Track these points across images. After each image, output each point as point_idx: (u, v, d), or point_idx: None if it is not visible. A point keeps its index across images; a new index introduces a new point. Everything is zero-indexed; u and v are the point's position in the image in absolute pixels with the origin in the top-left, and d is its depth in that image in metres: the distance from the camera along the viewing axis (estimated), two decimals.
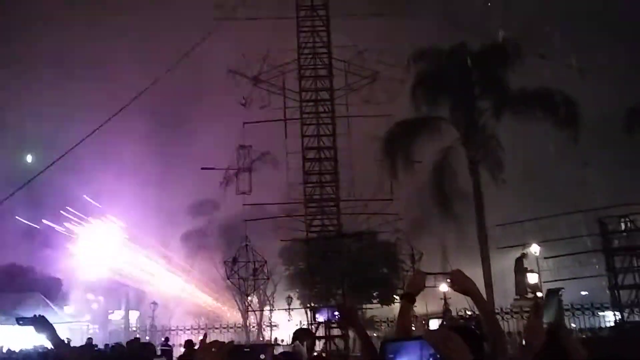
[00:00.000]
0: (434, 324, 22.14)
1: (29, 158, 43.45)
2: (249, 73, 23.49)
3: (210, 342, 2.19)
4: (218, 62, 25.32)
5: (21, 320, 4.76)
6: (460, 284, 3.16)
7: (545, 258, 24.27)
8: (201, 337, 26.15)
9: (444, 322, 11.51)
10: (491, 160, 23.26)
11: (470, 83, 22.65)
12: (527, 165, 27.91)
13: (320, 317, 20.11)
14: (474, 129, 23.16)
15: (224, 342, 2.17)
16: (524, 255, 24.59)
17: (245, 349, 2.23)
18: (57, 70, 37.37)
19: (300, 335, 5.54)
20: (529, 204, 26.38)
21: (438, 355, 1.80)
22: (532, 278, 23.66)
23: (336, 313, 18.54)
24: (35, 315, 3.90)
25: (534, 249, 25.95)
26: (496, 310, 21.32)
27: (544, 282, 23.72)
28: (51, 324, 3.92)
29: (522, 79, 22.18)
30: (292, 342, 5.29)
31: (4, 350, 17.27)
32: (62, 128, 33.94)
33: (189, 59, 24.67)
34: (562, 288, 19.81)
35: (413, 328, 3.35)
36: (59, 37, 38.04)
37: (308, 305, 25.15)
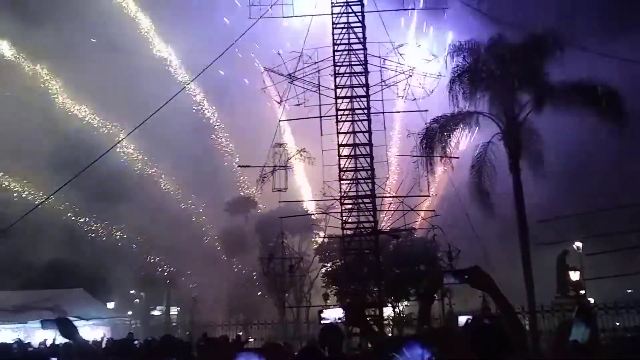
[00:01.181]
0: (462, 320, 21.84)
1: None
2: (285, 71, 23.59)
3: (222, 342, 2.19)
4: (254, 60, 25.58)
5: (45, 323, 4.89)
6: (478, 280, 3.11)
7: (587, 255, 23.68)
8: (239, 333, 26.52)
9: (469, 321, 11.31)
10: (531, 155, 22.79)
11: (510, 76, 22.18)
12: (569, 159, 27.26)
13: (327, 317, 19.95)
14: (513, 124, 22.70)
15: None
16: (566, 252, 24.06)
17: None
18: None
19: (327, 334, 5.41)
20: (571, 200, 25.80)
21: (434, 354, 1.78)
22: (574, 275, 23.13)
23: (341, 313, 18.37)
24: (59, 318, 3.99)
25: (577, 245, 25.38)
26: (537, 308, 20.94)
27: (586, 279, 23.18)
28: (74, 325, 4.01)
29: (563, 71, 21.62)
30: (321, 341, 5.12)
31: (48, 344, 17.77)
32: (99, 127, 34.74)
33: (226, 58, 24.89)
34: (596, 307, 19.33)
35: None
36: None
37: (344, 303, 25.14)
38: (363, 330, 3.55)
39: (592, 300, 23.69)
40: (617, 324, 20.33)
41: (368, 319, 22.38)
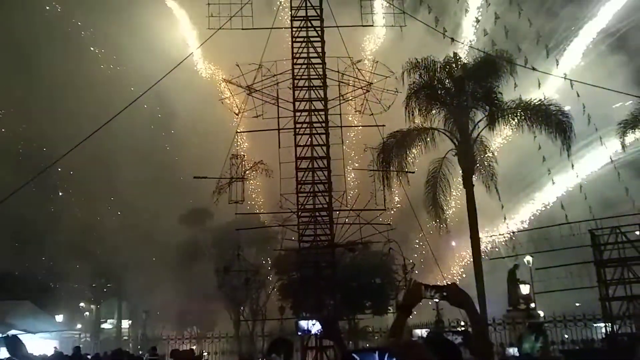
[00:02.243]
0: (419, 333, 22.09)
1: None
2: (243, 82, 23.52)
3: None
4: (212, 71, 25.41)
5: None
6: (456, 296, 3.18)
7: (537, 269, 24.28)
8: (192, 347, 26.09)
9: (428, 334, 11.45)
10: (485, 171, 23.36)
11: (464, 94, 22.76)
12: (521, 175, 28.06)
13: (301, 329, 19.97)
14: (467, 140, 23.24)
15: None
16: (516, 267, 24.61)
17: None
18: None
19: (277, 345, 5.51)
20: (522, 215, 26.48)
21: None
22: (525, 289, 23.64)
23: (315, 325, 18.44)
24: (7, 335, 3.93)
25: (527, 259, 25.99)
26: (488, 322, 21.35)
27: (536, 293, 23.73)
28: (23, 344, 3.93)
29: (514, 90, 22.34)
30: (269, 353, 5.26)
31: None
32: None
33: (184, 68, 24.68)
34: (545, 323, 19.88)
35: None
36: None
37: (299, 315, 25.04)
38: (336, 343, 3.58)
39: (541, 313, 24.28)
40: (566, 336, 20.90)
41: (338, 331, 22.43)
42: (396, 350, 1.79)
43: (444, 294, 3.23)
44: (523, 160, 27.59)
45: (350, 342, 26.31)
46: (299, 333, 20.66)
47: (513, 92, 22.43)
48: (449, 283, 3.38)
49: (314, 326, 19.48)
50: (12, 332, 23.20)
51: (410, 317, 3.36)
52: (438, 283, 3.40)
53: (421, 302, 3.27)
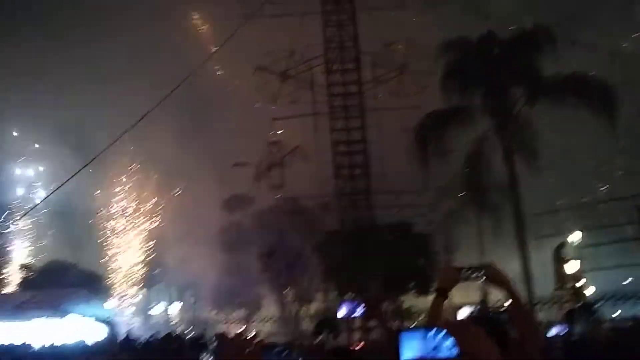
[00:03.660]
0: (463, 314, 21.91)
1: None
2: (277, 69, 23.53)
3: (241, 340, 2.17)
4: (246, 59, 25.44)
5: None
6: (493, 276, 3.11)
7: (585, 246, 23.71)
8: (239, 329, 26.67)
9: (473, 313, 11.38)
10: (526, 149, 22.72)
11: (501, 71, 22.09)
12: (564, 152, 27.21)
13: (343, 311, 20.15)
14: (507, 117, 22.63)
15: (254, 340, 2.15)
16: (562, 245, 24.10)
17: (278, 349, 2.21)
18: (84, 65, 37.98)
19: (324, 326, 5.58)
20: (567, 192, 25.75)
21: (452, 345, 1.77)
22: (572, 267, 23.18)
23: (360, 306, 18.55)
24: (108, 319, 4.42)
25: (574, 237, 25.37)
26: (535, 301, 21.03)
27: (584, 270, 23.23)
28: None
29: (556, 65, 21.52)
30: (317, 332, 5.32)
31: (48, 345, 17.90)
32: (93, 126, 34.68)
33: (218, 57, 24.83)
34: (598, 302, 19.40)
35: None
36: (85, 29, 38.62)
37: (343, 297, 25.25)
38: (379, 323, 3.56)
39: (590, 291, 23.79)
40: (616, 314, 20.44)
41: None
42: (450, 331, 1.77)
43: (481, 273, 3.15)
44: (565, 138, 26.79)
45: (395, 322, 26.42)
46: (343, 314, 20.89)
47: (556, 67, 21.59)
48: (487, 262, 3.30)
49: (358, 307, 19.67)
50: (69, 316, 24.18)
51: (449, 299, 3.31)
52: (474, 264, 3.31)
53: (457, 285, 3.21)
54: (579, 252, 24.24)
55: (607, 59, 21.47)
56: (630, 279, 26.36)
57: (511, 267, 23.89)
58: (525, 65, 21.55)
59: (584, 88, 20.81)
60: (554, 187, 26.20)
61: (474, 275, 3.14)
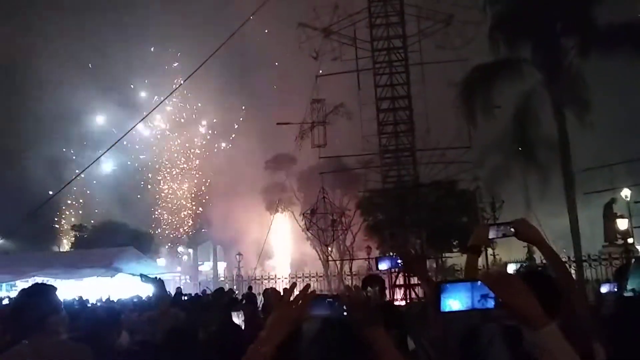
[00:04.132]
0: (511, 269, 21.74)
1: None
2: (319, 25, 23.26)
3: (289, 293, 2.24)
4: (288, 16, 25.26)
5: (143, 278, 5.62)
6: (525, 233, 3.13)
7: (636, 202, 23.09)
8: (285, 287, 27.18)
9: (520, 268, 11.26)
10: (577, 102, 22.03)
11: (553, 20, 21.27)
12: (616, 106, 26.27)
13: (383, 266, 20.12)
14: (558, 70, 21.91)
15: (308, 292, 2.21)
16: (613, 200, 23.52)
17: (329, 299, 2.27)
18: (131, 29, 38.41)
19: (370, 281, 5.70)
20: (618, 147, 24.98)
21: (492, 297, 1.81)
22: (622, 224, 22.67)
23: (399, 261, 18.52)
24: (156, 277, 4.63)
25: (624, 193, 24.71)
26: (583, 257, 20.70)
27: (635, 227, 22.67)
28: (164, 284, 4.60)
29: (610, 13, 20.59)
30: (364, 288, 5.47)
31: (104, 300, 18.68)
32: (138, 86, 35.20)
33: (261, 14, 24.68)
34: None
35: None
36: None
37: (388, 254, 25.35)
38: (421, 278, 3.64)
39: None
40: None
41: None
42: (488, 282, 1.81)
43: (512, 229, 3.18)
44: (618, 91, 25.80)
45: (438, 279, 26.41)
46: (379, 269, 20.93)
47: (612, 15, 20.62)
48: (517, 219, 3.31)
49: (396, 263, 19.65)
50: (119, 275, 25.12)
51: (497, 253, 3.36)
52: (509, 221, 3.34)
53: (489, 242, 3.25)
54: (630, 208, 23.65)
55: None
56: None
57: (559, 223, 23.56)
58: (577, 14, 20.70)
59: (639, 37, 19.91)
60: (605, 142, 25.45)
61: (504, 232, 3.15)
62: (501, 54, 21.87)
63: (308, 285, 2.29)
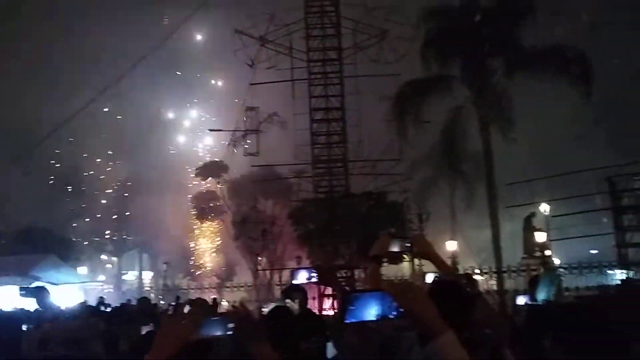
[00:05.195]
0: (429, 279, 22.28)
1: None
2: (256, 33, 23.19)
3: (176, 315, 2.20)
4: (224, 23, 25.05)
5: (22, 291, 5.12)
6: (421, 248, 3.21)
7: (553, 217, 24.23)
8: (214, 296, 26.72)
9: (435, 278, 11.42)
10: (502, 119, 23.00)
11: (482, 41, 22.18)
12: (538, 123, 27.62)
13: (300, 278, 20.18)
14: (485, 88, 22.81)
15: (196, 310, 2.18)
16: (532, 214, 24.56)
17: (214, 318, 2.26)
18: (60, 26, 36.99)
19: (291, 292, 5.67)
20: (539, 163, 26.23)
21: (398, 306, 1.82)
22: (541, 237, 23.67)
23: (313, 273, 18.67)
24: (38, 288, 4.20)
25: (543, 207, 25.90)
26: (504, 269, 21.55)
27: (552, 240, 23.76)
28: (48, 293, 4.18)
29: (534, 36, 21.69)
30: (284, 299, 5.43)
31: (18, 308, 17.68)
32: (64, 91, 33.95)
33: (194, 20, 24.37)
34: (561, 268, 19.94)
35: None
36: None
37: (312, 265, 25.43)
38: (335, 289, 3.63)
39: (557, 261, 24.37)
40: (580, 284, 21.05)
41: (340, 279, 22.86)
42: (392, 292, 1.81)
43: (407, 245, 3.26)
44: (542, 111, 27.15)
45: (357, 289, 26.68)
46: (300, 281, 20.87)
47: (537, 38, 21.73)
48: (415, 234, 3.42)
49: (313, 274, 19.73)
50: (37, 283, 23.89)
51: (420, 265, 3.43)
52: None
53: (390, 253, 3.31)
54: (548, 221, 24.78)
55: (585, 31, 21.70)
56: (595, 251, 27.16)
57: (484, 235, 24.42)
58: (504, 36, 21.68)
59: (561, 60, 21.06)
60: (528, 157, 26.67)
61: (402, 246, 3.24)
62: (432, 70, 22.52)
63: (198, 304, 2.27)
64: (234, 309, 2.28)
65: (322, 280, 20.66)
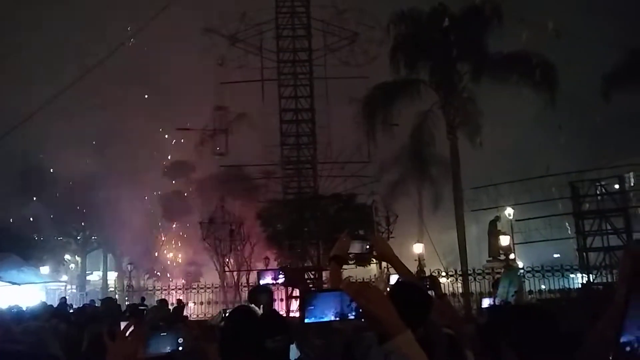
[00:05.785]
0: (394, 280, 22.47)
1: None
2: (226, 32, 23.05)
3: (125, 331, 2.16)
4: (194, 21, 24.83)
5: None
6: (379, 250, 3.26)
7: (517, 220, 24.66)
8: (179, 297, 26.40)
9: (398, 279, 11.50)
10: (469, 124, 23.38)
11: (450, 46, 22.50)
12: (504, 128, 28.12)
13: (266, 279, 20.19)
14: (452, 93, 23.15)
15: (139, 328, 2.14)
16: (497, 218, 24.97)
17: (162, 333, 2.22)
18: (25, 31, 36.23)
19: (257, 292, 5.65)
20: (504, 168, 26.67)
21: (355, 305, 1.83)
22: (505, 240, 24.08)
23: (280, 275, 18.74)
24: None
25: (508, 211, 26.35)
26: (468, 271, 21.85)
27: (516, 243, 24.18)
28: None
29: (501, 42, 22.11)
30: (249, 302, 5.40)
31: None
32: (29, 85, 33.17)
33: (163, 17, 24.08)
34: (521, 270, 20.31)
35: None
36: None
37: (283, 265, 25.39)
38: (302, 290, 3.66)
39: (520, 264, 24.81)
40: (543, 286, 21.46)
41: (307, 281, 22.86)
42: (349, 292, 1.82)
43: (367, 247, 3.32)
44: (508, 116, 27.64)
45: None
46: (266, 282, 20.85)
47: (503, 44, 22.14)
48: (374, 236, 3.51)
49: (279, 275, 19.78)
50: None
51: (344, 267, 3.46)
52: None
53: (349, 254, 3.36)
54: (512, 225, 25.23)
55: (551, 38, 22.21)
56: (557, 254, 27.75)
57: (450, 238, 24.72)
58: (473, 41, 22.03)
59: (527, 65, 21.51)
60: (493, 161, 27.11)
61: (361, 247, 3.29)
62: (401, 74, 22.75)
63: (140, 321, 2.26)
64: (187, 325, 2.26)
65: (290, 282, 20.68)
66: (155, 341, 2.15)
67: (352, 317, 1.88)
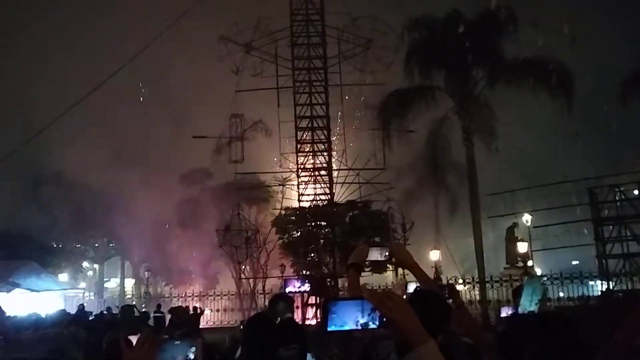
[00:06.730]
0: (412, 288, 22.33)
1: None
2: (241, 41, 23.21)
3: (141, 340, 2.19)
4: (210, 30, 25.03)
5: None
6: (398, 257, 3.24)
7: (535, 227, 24.42)
8: (195, 304, 26.49)
9: (416, 287, 11.43)
10: (485, 130, 23.25)
11: (465, 52, 22.42)
12: (520, 134, 27.91)
13: (290, 287, 20.24)
14: (468, 99, 23.05)
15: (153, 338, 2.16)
16: (515, 225, 24.75)
17: (176, 342, 2.24)
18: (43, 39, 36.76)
19: (278, 300, 5.65)
20: (521, 174, 26.46)
21: (377, 314, 1.83)
22: (522, 247, 23.86)
23: (307, 284, 18.80)
24: None
25: (525, 218, 26.11)
26: (486, 279, 21.65)
27: (534, 250, 23.95)
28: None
29: (517, 47, 21.99)
30: (269, 309, 5.40)
31: None
32: (48, 96, 33.61)
33: (180, 26, 24.32)
34: (544, 276, 20.10)
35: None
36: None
37: (301, 273, 25.38)
38: (324, 299, 3.64)
39: (539, 271, 24.55)
40: (562, 294, 21.21)
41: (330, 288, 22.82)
42: (372, 300, 1.81)
43: (386, 254, 3.29)
44: (524, 122, 27.45)
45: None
46: (287, 291, 20.93)
47: (519, 50, 22.00)
48: (393, 243, 3.48)
49: (303, 284, 19.85)
50: (17, 290, 23.60)
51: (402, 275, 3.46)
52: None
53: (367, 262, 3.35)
54: (530, 232, 25.00)
55: (567, 43, 22.01)
56: (576, 261, 27.41)
57: (465, 245, 24.55)
58: (488, 47, 21.93)
59: (543, 71, 21.34)
60: (510, 167, 26.92)
61: (380, 255, 3.27)
62: (416, 80, 22.70)
63: (151, 331, 2.29)
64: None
65: (316, 291, 20.68)
66: (169, 349, 2.17)
67: (374, 327, 1.88)
